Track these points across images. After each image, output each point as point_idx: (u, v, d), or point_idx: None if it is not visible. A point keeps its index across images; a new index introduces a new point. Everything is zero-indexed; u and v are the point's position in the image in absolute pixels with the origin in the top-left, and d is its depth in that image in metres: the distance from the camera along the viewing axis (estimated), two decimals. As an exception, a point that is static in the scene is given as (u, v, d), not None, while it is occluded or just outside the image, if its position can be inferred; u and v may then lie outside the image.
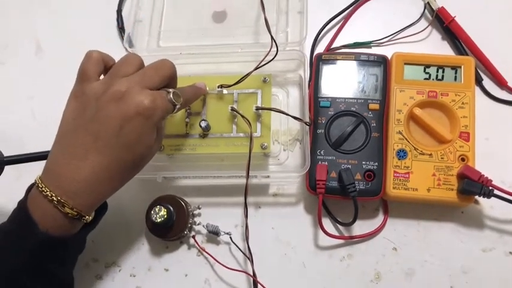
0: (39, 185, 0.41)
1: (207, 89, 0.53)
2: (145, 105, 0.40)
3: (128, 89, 0.40)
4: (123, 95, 0.40)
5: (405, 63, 0.53)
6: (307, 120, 0.50)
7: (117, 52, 0.59)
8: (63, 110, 0.44)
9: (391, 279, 0.49)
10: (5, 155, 0.50)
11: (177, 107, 0.44)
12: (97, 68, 0.44)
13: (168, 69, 0.44)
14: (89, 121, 0.41)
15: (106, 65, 0.45)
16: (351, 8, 0.60)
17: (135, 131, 0.41)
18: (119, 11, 0.63)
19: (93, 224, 0.46)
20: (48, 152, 0.48)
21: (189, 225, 0.51)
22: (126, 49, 0.57)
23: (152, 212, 0.49)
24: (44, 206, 0.40)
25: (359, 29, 0.59)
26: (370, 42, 0.58)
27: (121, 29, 0.62)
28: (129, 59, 0.44)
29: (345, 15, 0.60)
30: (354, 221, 0.48)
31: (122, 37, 0.61)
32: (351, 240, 0.51)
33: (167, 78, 0.44)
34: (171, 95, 0.43)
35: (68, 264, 0.46)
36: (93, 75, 0.43)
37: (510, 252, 0.49)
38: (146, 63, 0.56)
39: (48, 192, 0.40)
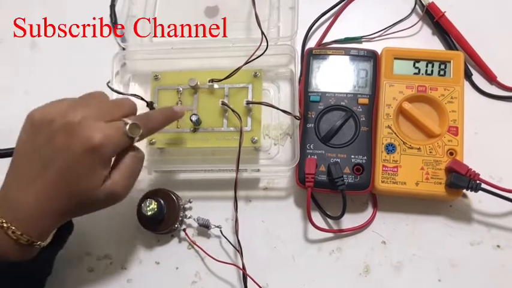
0: None
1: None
2: (94, 141, 0.38)
3: (80, 121, 0.39)
4: (74, 127, 0.38)
5: (395, 58, 0.53)
6: (297, 114, 0.51)
7: (109, 47, 0.60)
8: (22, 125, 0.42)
9: (380, 272, 0.50)
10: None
11: (136, 138, 0.41)
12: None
13: (128, 109, 0.42)
14: (38, 148, 0.40)
15: None
16: (342, 3, 0.60)
17: (80, 167, 0.39)
18: (112, 7, 0.63)
19: (57, 246, 0.45)
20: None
21: (180, 218, 0.51)
22: (118, 44, 0.58)
23: (143, 205, 0.49)
24: None
25: (350, 24, 0.59)
26: (361, 37, 0.58)
27: (114, 24, 0.62)
28: (94, 93, 0.43)
29: (336, 10, 0.60)
30: (342, 215, 0.48)
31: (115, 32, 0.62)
32: (340, 233, 0.51)
33: (131, 109, 0.43)
34: (128, 127, 0.40)
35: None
36: (58, 104, 0.41)
37: (498, 246, 0.49)
38: (138, 57, 0.58)
39: None
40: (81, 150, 0.38)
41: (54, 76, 0.62)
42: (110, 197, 0.41)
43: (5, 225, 0.39)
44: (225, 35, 0.58)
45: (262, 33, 0.51)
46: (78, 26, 0.64)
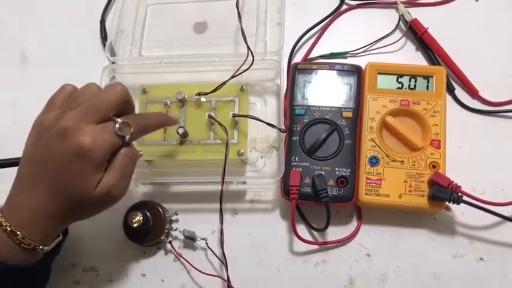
0: None
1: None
2: (84, 146, 0.39)
3: (71, 126, 0.39)
4: (66, 132, 0.39)
5: (378, 73, 0.54)
6: (282, 127, 0.51)
7: (99, 61, 0.61)
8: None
9: (365, 285, 0.50)
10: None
11: (127, 137, 0.41)
12: (64, 101, 0.43)
13: (116, 96, 0.42)
14: (39, 154, 0.41)
15: None
16: (328, 19, 0.61)
17: (73, 172, 0.40)
18: (102, 22, 0.64)
19: (55, 251, 0.46)
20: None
21: (166, 231, 0.52)
22: (108, 58, 0.58)
23: (128, 217, 0.49)
24: (0, 236, 0.41)
25: (335, 40, 0.61)
26: (346, 52, 0.59)
27: (104, 38, 0.63)
28: (85, 89, 0.43)
29: (322, 26, 0.61)
30: (326, 227, 0.49)
31: (105, 47, 0.62)
32: (325, 245, 0.51)
33: (116, 106, 0.42)
34: (117, 126, 0.41)
35: None
36: (56, 106, 0.43)
37: (481, 259, 0.50)
38: (127, 71, 0.59)
39: (3, 221, 0.41)
40: (73, 155, 0.39)
41: (43, 89, 0.62)
42: (105, 199, 0.42)
43: (8, 228, 0.40)
44: (213, 50, 0.58)
45: (248, 48, 0.52)
46: (67, 40, 0.65)
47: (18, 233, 0.40)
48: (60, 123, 0.40)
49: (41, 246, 0.42)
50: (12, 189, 0.43)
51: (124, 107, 0.43)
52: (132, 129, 0.41)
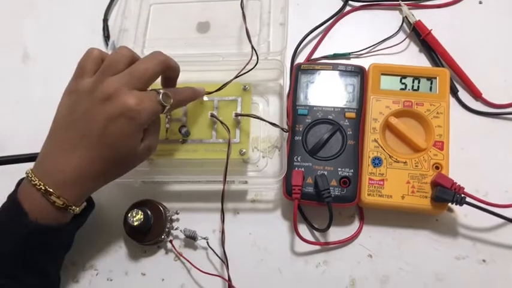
0: (29, 175, 0.43)
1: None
2: (130, 107, 0.41)
3: (115, 91, 0.41)
4: (110, 96, 0.41)
5: (382, 74, 0.54)
6: (285, 127, 0.51)
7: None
8: (58, 104, 0.45)
9: (366, 286, 0.49)
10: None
11: (167, 108, 0.44)
12: (94, 66, 0.44)
13: (158, 65, 0.44)
14: (78, 118, 0.42)
15: None
16: (331, 20, 0.61)
17: (119, 132, 0.42)
18: (105, 20, 0.64)
19: (81, 220, 0.47)
20: (27, 154, 0.50)
21: (167, 229, 0.51)
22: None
23: (129, 215, 0.49)
24: (33, 196, 0.42)
25: (339, 40, 0.61)
26: (349, 53, 0.59)
27: (107, 37, 0.63)
28: (119, 55, 0.44)
29: (326, 27, 0.61)
30: (328, 227, 0.48)
31: (107, 45, 0.62)
32: (327, 246, 0.51)
33: (158, 74, 0.45)
34: (161, 96, 0.43)
35: (56, 259, 0.47)
36: (89, 72, 0.44)
37: (483, 260, 0.49)
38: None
39: (37, 182, 0.42)
40: (119, 115, 0.41)
41: (44, 87, 0.62)
42: (147, 153, 0.46)
43: (43, 187, 0.42)
44: (216, 50, 0.58)
45: (253, 48, 0.52)
46: (70, 39, 0.65)
47: (51, 191, 0.42)
48: (103, 87, 0.42)
49: (73, 207, 0.43)
50: (44, 153, 0.44)
51: (165, 73, 0.47)
52: (172, 100, 0.45)
